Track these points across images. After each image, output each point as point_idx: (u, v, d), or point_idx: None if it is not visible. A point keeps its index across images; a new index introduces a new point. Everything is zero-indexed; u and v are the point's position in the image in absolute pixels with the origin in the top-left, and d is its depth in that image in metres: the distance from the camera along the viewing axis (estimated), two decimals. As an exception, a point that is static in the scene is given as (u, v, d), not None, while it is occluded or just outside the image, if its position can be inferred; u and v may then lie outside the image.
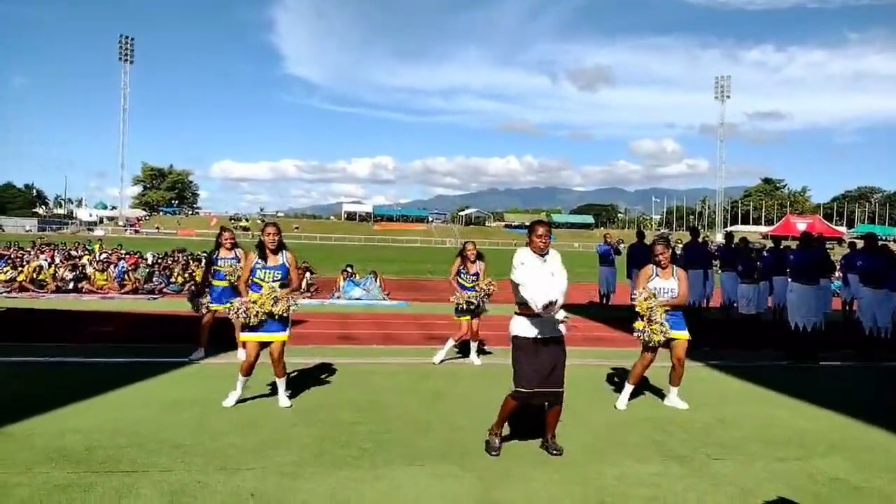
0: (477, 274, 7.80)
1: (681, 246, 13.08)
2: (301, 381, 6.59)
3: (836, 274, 14.66)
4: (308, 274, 16.44)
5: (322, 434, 4.97)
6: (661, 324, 5.76)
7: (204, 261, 8.64)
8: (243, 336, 5.75)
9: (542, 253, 4.66)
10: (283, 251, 5.80)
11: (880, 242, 10.22)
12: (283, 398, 5.78)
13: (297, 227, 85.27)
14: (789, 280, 9.36)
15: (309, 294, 15.44)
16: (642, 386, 6.77)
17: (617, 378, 7.19)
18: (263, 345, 5.68)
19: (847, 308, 13.26)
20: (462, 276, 7.81)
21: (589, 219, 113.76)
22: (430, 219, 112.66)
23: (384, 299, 14.58)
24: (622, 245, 14.85)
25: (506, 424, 4.80)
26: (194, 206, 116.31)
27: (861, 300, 9.49)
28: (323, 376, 6.91)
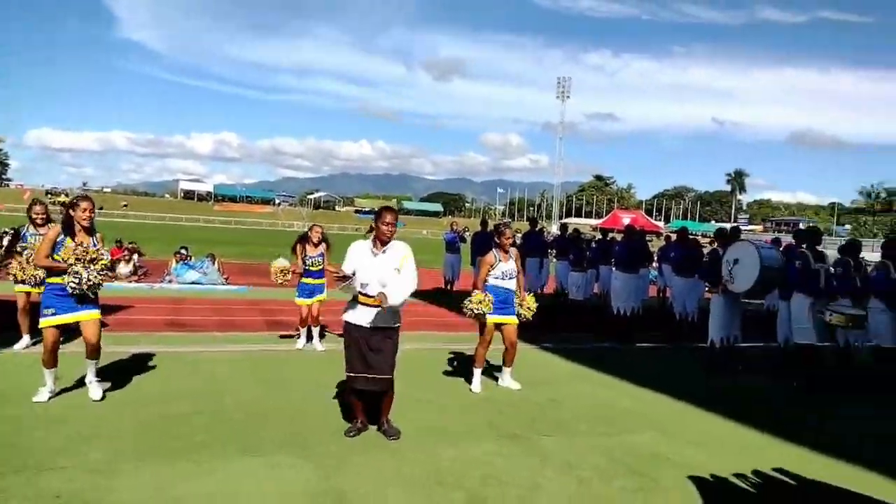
0: (322, 256, 7.67)
1: (520, 235, 13.72)
2: (125, 371, 6.05)
3: (654, 264, 16.23)
4: (136, 256, 15.19)
5: (149, 427, 4.61)
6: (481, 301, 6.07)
7: (9, 237, 7.66)
8: (44, 321, 4.96)
9: (385, 241, 4.66)
10: (96, 233, 5.22)
11: (691, 236, 11.44)
12: (94, 389, 5.18)
13: (125, 205, 78.50)
14: (613, 269, 10.18)
15: (136, 278, 14.28)
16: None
17: (457, 361, 7.40)
18: (62, 330, 5.09)
19: (662, 295, 14.70)
20: (309, 262, 7.64)
21: (438, 207, 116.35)
22: (277, 201, 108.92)
23: (223, 283, 13.85)
24: (467, 233, 15.32)
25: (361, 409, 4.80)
26: (3, 177, 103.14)
27: (673, 288, 10.58)
28: (152, 365, 6.40)
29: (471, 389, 6.23)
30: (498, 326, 6.26)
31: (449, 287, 15.00)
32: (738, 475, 4.38)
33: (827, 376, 7.58)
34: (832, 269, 8.33)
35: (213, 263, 14.52)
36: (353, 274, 4.60)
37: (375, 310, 4.61)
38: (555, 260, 14.07)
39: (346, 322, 4.70)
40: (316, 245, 7.68)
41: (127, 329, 8.11)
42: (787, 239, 14.36)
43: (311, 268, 7.63)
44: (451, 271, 15.00)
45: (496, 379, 6.67)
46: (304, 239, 7.74)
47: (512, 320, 6.28)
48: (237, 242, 33.43)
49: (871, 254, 7.76)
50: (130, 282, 13.79)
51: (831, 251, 9.66)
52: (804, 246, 7.37)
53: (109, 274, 5.21)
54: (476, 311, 6.08)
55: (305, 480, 3.88)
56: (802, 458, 4.87)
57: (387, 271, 4.60)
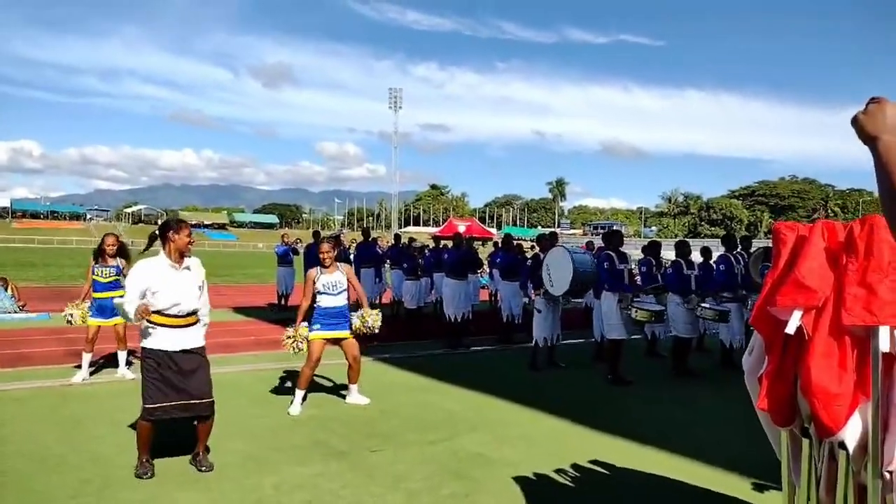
0: (118, 268, 6.95)
1: (353, 246, 13.59)
2: None
3: (485, 269, 16.86)
4: None
5: None
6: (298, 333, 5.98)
7: None
8: None
9: (181, 256, 4.33)
10: None
11: (515, 242, 12.00)
12: None
13: None
14: (444, 276, 10.39)
15: None
16: (311, 387, 6.80)
17: (289, 381, 7.09)
18: None
19: (493, 299, 15.30)
20: (98, 272, 6.90)
21: (273, 218, 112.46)
22: (89, 216, 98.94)
23: (16, 311, 12.20)
24: (300, 245, 14.87)
25: (150, 446, 4.31)
26: None
27: (500, 291, 11.02)
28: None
29: (288, 412, 5.86)
30: (336, 342, 6.06)
31: (283, 302, 14.46)
32: (558, 470, 4.58)
33: (636, 367, 8.29)
34: (636, 268, 9.16)
35: (6, 289, 12.76)
36: (143, 297, 4.20)
37: (184, 330, 4.27)
38: (390, 269, 14.11)
39: (148, 349, 4.27)
40: (112, 257, 6.97)
41: None
42: (600, 242, 15.58)
43: (102, 280, 6.90)
44: (284, 285, 14.46)
45: (331, 392, 6.47)
46: (98, 252, 7.00)
47: (346, 334, 6.09)
48: (41, 264, 29.84)
49: (671, 252, 8.71)
50: None
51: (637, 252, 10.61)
52: (609, 248, 7.99)
53: None
54: (295, 348, 5.94)
55: (101, 532, 3.44)
56: (619, 448, 5.21)
57: (193, 288, 4.30)
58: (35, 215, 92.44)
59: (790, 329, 2.39)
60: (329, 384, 6.92)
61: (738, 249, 9.09)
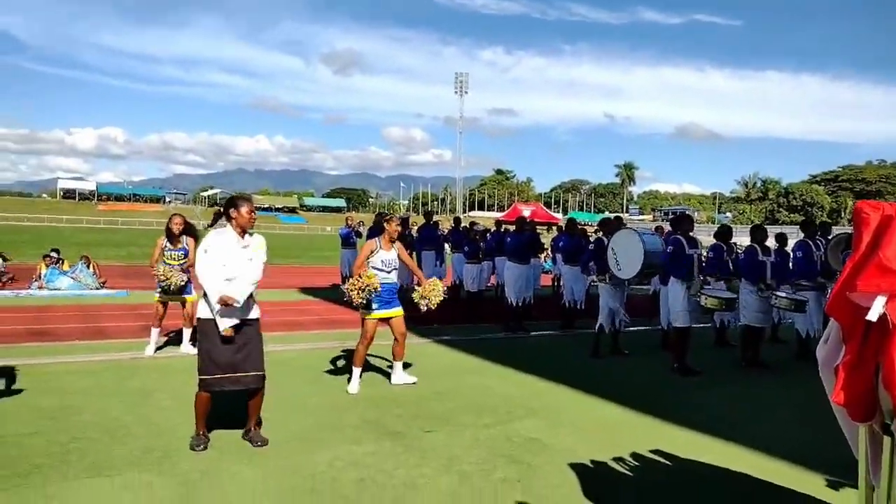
0: (185, 251, 7.16)
1: (416, 228, 13.63)
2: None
3: (548, 253, 16.61)
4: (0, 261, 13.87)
5: (-20, 453, 4.08)
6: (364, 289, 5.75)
7: None
8: None
9: (244, 233, 4.39)
10: None
11: (580, 227, 11.73)
12: None
13: (-4, 206, 72.18)
14: (506, 260, 10.26)
15: (0, 284, 13.04)
16: (366, 366, 6.86)
17: (342, 360, 7.16)
18: None
19: (556, 284, 15.05)
20: (168, 254, 7.11)
21: (341, 202, 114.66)
22: (168, 199, 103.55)
23: (98, 288, 12.85)
24: (363, 227, 15.03)
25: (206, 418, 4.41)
26: None
27: (563, 276, 10.81)
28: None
29: (346, 390, 5.92)
30: (387, 320, 6.08)
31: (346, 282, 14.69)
32: (616, 459, 4.43)
33: (704, 357, 7.96)
34: (706, 254, 8.76)
35: (87, 266, 13.45)
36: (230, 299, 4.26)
37: (240, 303, 4.34)
38: (451, 253, 14.09)
39: (204, 319, 4.34)
40: (178, 237, 7.18)
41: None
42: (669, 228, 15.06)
43: (171, 262, 7.10)
44: (347, 266, 14.66)
45: (385, 375, 6.49)
46: (167, 231, 7.20)
47: (398, 312, 6.09)
48: (124, 243, 31.43)
49: (745, 238, 8.28)
50: (-8, 290, 12.57)
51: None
52: (678, 232, 7.66)
53: None
54: (362, 296, 5.76)
55: (160, 500, 3.54)
56: (681, 439, 5.01)
57: (253, 263, 4.40)
58: (119, 198, 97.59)
59: (872, 316, 2.17)
60: (384, 364, 6.94)
61: (818, 235, 8.57)
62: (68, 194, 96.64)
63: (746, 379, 7.32)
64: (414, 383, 6.23)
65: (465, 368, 7.19)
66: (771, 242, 8.45)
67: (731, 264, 8.39)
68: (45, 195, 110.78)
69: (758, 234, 8.21)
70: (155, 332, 7.17)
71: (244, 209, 4.39)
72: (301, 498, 3.64)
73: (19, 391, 5.44)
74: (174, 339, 7.82)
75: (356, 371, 6.02)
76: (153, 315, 7.22)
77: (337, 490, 3.75)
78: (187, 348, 7.21)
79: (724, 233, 8.64)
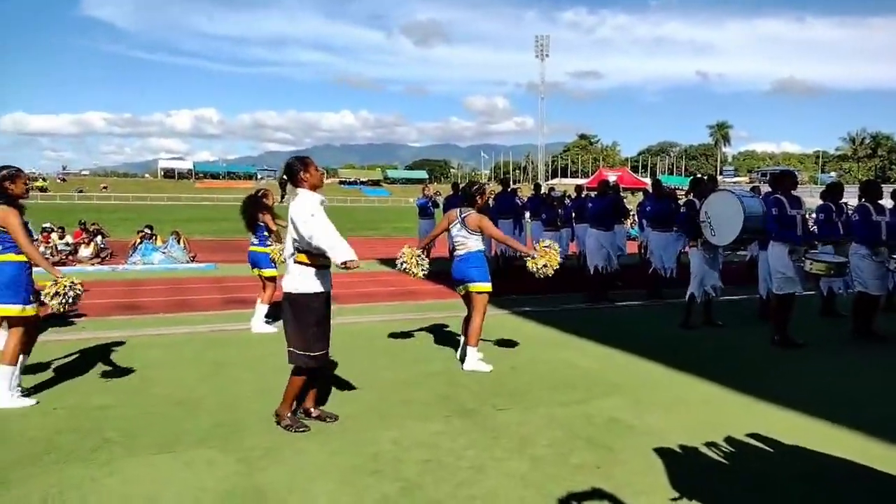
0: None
1: (493, 197, 13.26)
2: (47, 364, 5.55)
3: (633, 219, 15.82)
4: (99, 238, 14.65)
5: (56, 426, 4.14)
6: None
7: None
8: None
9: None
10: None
11: (667, 188, 10.98)
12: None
13: (105, 187, 77.26)
14: (588, 227, 9.74)
15: (99, 260, 13.79)
16: (441, 340, 6.66)
17: (423, 333, 6.96)
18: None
19: (643, 251, 14.33)
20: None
21: (423, 174, 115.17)
22: (259, 175, 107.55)
23: (188, 262, 13.33)
24: (440, 197, 14.82)
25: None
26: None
27: (650, 243, 10.16)
28: (76, 356, 5.86)
29: (462, 368, 5.62)
30: (466, 295, 5.81)
31: (426, 253, 14.57)
32: (709, 444, 3.98)
33: (808, 328, 7.24)
34: (813, 215, 7.92)
35: (178, 242, 13.98)
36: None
37: (329, 271, 4.14)
38: (530, 220, 13.64)
39: (311, 293, 4.02)
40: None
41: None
42: (766, 188, 13.96)
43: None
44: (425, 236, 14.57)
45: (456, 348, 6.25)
46: (262, 206, 7.10)
47: (476, 287, 5.79)
48: (217, 219, 32.76)
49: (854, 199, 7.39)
50: (93, 264, 13.29)
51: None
52: (779, 192, 6.90)
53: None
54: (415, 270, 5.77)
55: (221, 478, 3.44)
56: (783, 421, 4.48)
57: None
58: (214, 176, 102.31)
59: None
60: (462, 339, 6.68)
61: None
62: (168, 174, 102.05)
63: (860, 352, 6.59)
64: (489, 371, 5.81)
65: (543, 341, 6.84)
66: (886, 202, 7.50)
67: (840, 226, 7.54)
68: (147, 175, 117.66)
69: (871, 190, 7.30)
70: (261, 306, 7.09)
71: (313, 168, 4.15)
72: (362, 479, 3.45)
73: (107, 364, 5.57)
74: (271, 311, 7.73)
75: (470, 349, 5.69)
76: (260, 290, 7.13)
77: (399, 472, 3.53)
78: (261, 327, 7.00)
79: (833, 191, 7.78)
